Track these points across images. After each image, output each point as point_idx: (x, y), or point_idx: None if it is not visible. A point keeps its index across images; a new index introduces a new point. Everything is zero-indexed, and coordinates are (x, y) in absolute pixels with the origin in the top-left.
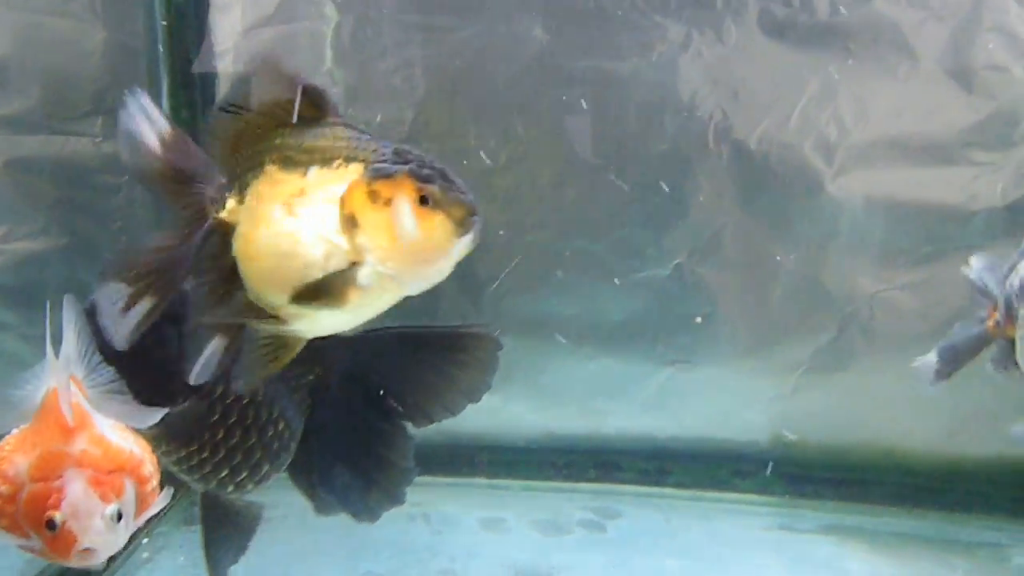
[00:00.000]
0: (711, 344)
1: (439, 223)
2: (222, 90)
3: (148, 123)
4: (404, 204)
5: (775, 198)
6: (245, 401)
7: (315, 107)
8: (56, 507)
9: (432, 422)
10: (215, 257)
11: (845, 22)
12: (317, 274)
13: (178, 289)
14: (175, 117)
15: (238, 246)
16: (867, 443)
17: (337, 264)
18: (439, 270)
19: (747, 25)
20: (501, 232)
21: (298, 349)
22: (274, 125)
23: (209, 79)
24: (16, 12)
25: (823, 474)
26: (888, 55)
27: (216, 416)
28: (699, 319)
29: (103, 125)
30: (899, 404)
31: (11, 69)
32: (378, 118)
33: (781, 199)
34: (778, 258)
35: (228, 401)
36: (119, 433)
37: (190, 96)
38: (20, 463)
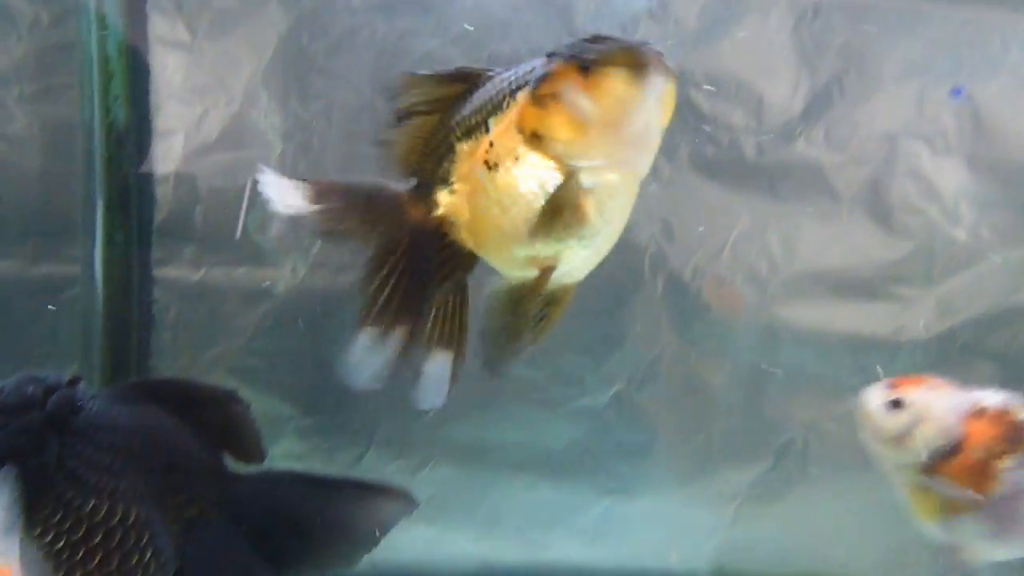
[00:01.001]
0: (650, 473)
1: (610, 78)
2: (160, 216)
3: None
4: (568, 86)
5: (710, 328)
6: (115, 520)
7: (466, 80)
8: None
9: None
10: (440, 256)
11: (770, 163)
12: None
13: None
14: (109, 242)
15: (467, 231)
16: (807, 574)
17: (553, 185)
18: (644, 130)
19: (680, 164)
20: None
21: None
22: (442, 110)
23: (146, 204)
24: None
25: None
26: (812, 194)
27: (79, 534)
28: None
29: (32, 247)
30: (837, 534)
31: None
32: (316, 245)
33: (716, 330)
34: (714, 387)
35: (97, 519)
36: None
37: (126, 220)
38: None
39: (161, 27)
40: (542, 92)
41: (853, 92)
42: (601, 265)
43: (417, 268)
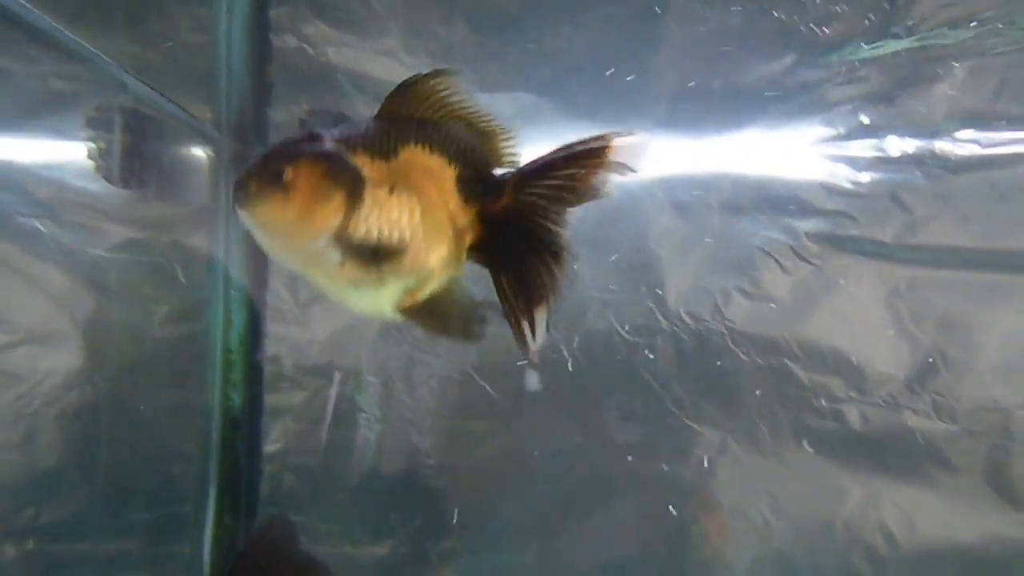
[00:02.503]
0: None
1: None
2: (265, 491)
3: None
4: None
5: None
6: None
7: None
8: None
9: None
10: None
11: (877, 434)
12: None
13: None
14: (218, 521)
15: None
16: None
17: None
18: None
19: (781, 434)
20: None
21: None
22: None
23: (255, 484)
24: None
25: None
26: (926, 467)
27: None
28: None
29: (145, 530)
30: None
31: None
32: (418, 518)
33: None
34: None
35: None
36: None
37: (236, 503)
38: None
39: (278, 315)
40: None
41: (957, 363)
42: (703, 539)
43: None
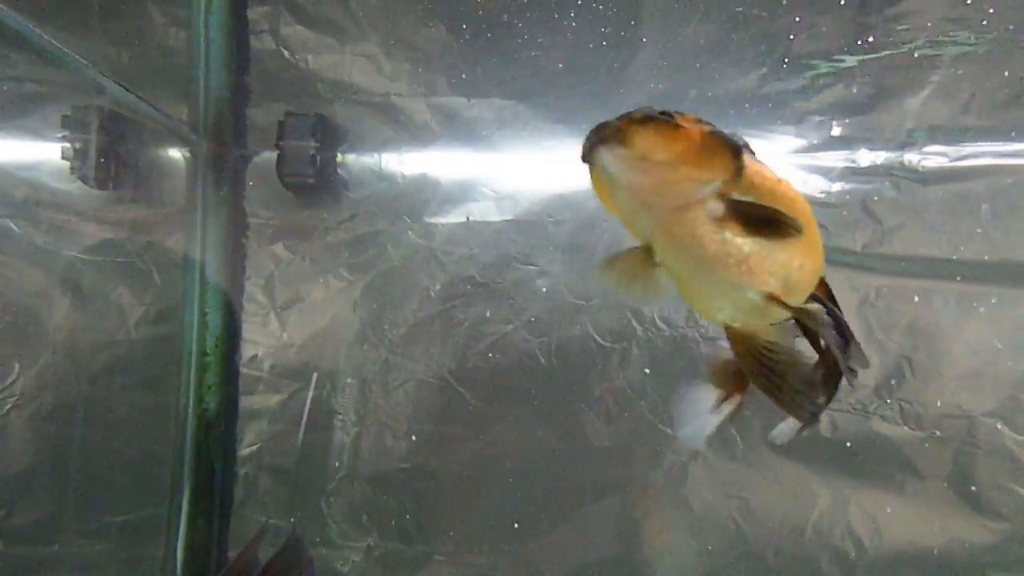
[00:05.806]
0: None
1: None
2: (239, 494)
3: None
4: None
5: None
6: None
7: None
8: None
9: None
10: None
11: (847, 439)
12: None
13: None
14: (191, 524)
15: None
16: None
17: None
18: (627, 192)
19: (753, 440)
20: None
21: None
22: None
23: (228, 487)
24: None
25: None
26: (894, 472)
27: None
28: None
29: (119, 532)
30: None
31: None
32: (392, 522)
33: None
34: None
35: None
36: None
37: (209, 505)
38: None
39: (254, 319)
40: None
41: (924, 370)
42: (677, 544)
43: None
